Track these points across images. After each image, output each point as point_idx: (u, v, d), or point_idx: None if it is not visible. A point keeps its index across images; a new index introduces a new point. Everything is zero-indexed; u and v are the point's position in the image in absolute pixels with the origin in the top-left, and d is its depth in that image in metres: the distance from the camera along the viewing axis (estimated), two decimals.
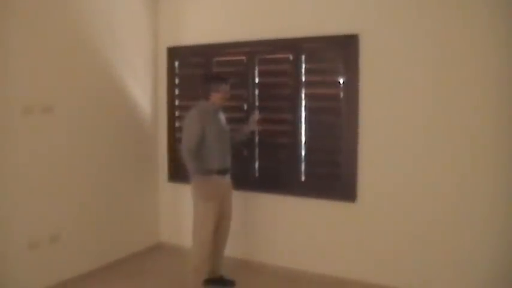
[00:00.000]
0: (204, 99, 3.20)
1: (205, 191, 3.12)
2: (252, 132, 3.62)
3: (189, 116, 3.16)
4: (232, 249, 3.66)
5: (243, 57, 3.73)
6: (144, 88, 4.07)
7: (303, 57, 3.49)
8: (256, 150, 3.72)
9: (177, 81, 4.13)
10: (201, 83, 3.31)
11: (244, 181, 3.72)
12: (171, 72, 4.12)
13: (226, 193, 3.29)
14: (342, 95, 3.37)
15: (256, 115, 3.53)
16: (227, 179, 3.29)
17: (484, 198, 2.96)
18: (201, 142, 3.07)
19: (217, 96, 3.17)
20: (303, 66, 3.49)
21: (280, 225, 3.68)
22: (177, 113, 4.13)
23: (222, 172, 3.19)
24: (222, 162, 3.19)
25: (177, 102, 4.14)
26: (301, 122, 3.53)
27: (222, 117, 3.28)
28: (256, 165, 3.73)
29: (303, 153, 3.54)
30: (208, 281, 3.36)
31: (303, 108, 3.52)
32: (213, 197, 3.13)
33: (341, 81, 3.36)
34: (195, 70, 3.97)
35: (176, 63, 4.11)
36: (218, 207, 3.19)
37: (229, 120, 3.41)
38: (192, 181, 3.14)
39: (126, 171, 3.90)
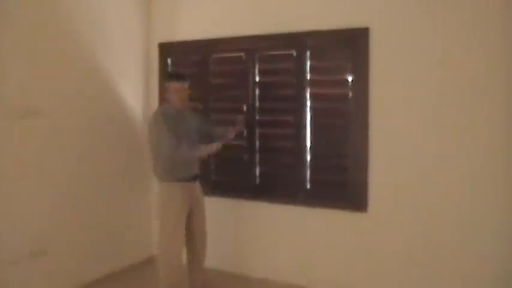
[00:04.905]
0: (166, 103, 3.12)
1: (166, 202, 2.98)
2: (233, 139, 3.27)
3: (153, 121, 2.98)
4: (231, 263, 3.62)
5: (242, 54, 3.62)
6: (136, 88, 3.95)
7: (308, 53, 3.39)
8: (257, 155, 3.60)
9: None
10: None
11: (243, 188, 3.64)
12: (163, 71, 3.96)
13: (195, 202, 3.12)
14: (350, 94, 3.28)
15: (239, 120, 3.31)
16: (196, 186, 3.16)
17: (500, 209, 2.86)
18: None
19: (172, 96, 3.01)
20: (308, 63, 3.40)
21: (283, 237, 3.55)
22: None
23: (189, 179, 3.06)
24: (189, 169, 3.07)
25: None
26: (305, 124, 3.43)
27: (190, 120, 3.13)
28: (257, 171, 3.61)
29: (308, 158, 3.43)
30: None
31: (307, 110, 3.42)
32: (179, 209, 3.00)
33: (349, 79, 3.27)
34: (189, 69, 3.80)
35: (169, 61, 3.97)
36: (184, 219, 3.04)
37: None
38: (160, 187, 3.01)
39: (118, 181, 3.79)
